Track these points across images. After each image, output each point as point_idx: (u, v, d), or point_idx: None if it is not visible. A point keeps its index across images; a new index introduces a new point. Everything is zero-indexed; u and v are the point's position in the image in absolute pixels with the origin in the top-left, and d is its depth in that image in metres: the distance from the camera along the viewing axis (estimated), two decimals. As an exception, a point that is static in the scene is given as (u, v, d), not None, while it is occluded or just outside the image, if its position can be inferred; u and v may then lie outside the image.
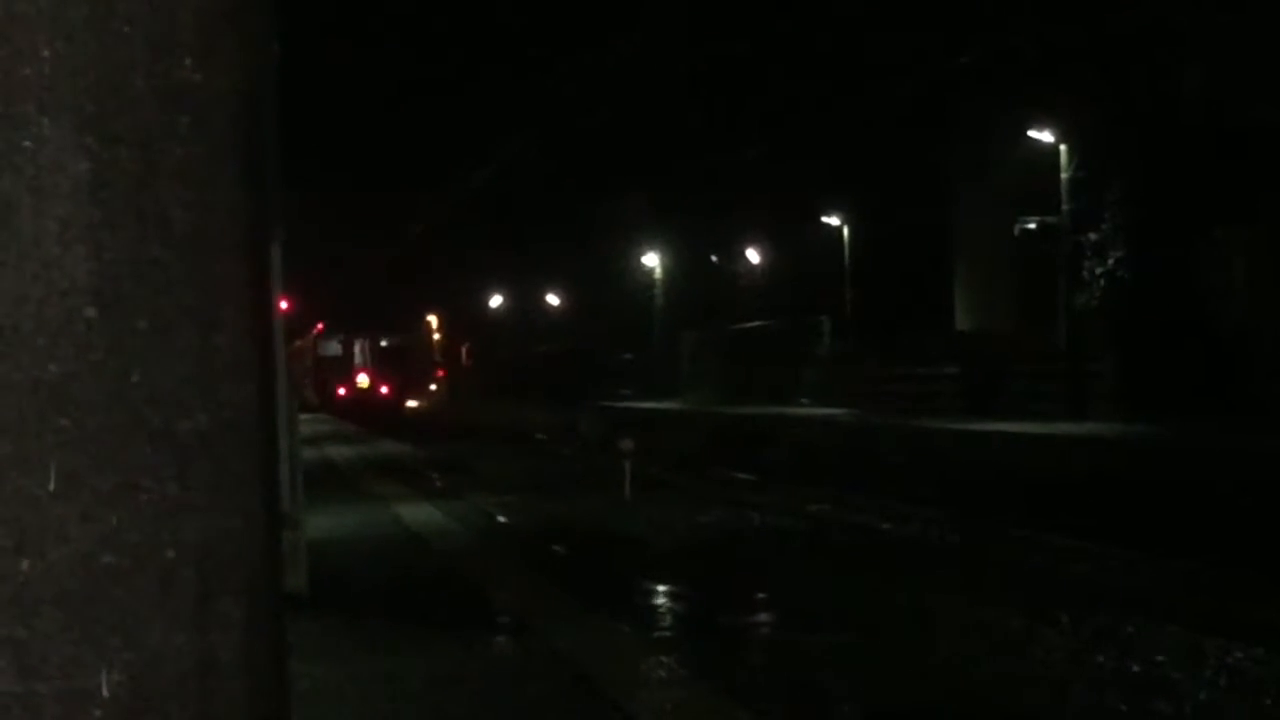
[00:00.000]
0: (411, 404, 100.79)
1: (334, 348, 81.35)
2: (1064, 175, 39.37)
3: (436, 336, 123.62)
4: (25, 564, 2.16)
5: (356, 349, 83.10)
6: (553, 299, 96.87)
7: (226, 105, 2.36)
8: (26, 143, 2.18)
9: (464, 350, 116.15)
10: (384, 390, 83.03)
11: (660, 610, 19.88)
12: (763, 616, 19.12)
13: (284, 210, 14.97)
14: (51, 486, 2.18)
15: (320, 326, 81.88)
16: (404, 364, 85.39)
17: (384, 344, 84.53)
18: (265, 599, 2.39)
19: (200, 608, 2.27)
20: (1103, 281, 37.95)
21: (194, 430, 2.27)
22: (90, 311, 2.20)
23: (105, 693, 2.19)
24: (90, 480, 2.19)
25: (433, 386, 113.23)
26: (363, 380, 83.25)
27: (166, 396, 2.25)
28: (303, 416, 24.64)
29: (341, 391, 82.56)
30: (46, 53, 2.19)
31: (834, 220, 58.77)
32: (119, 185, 2.22)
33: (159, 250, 2.25)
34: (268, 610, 2.40)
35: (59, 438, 2.18)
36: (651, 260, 76.00)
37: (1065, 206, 39.33)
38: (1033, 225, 41.12)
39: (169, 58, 2.28)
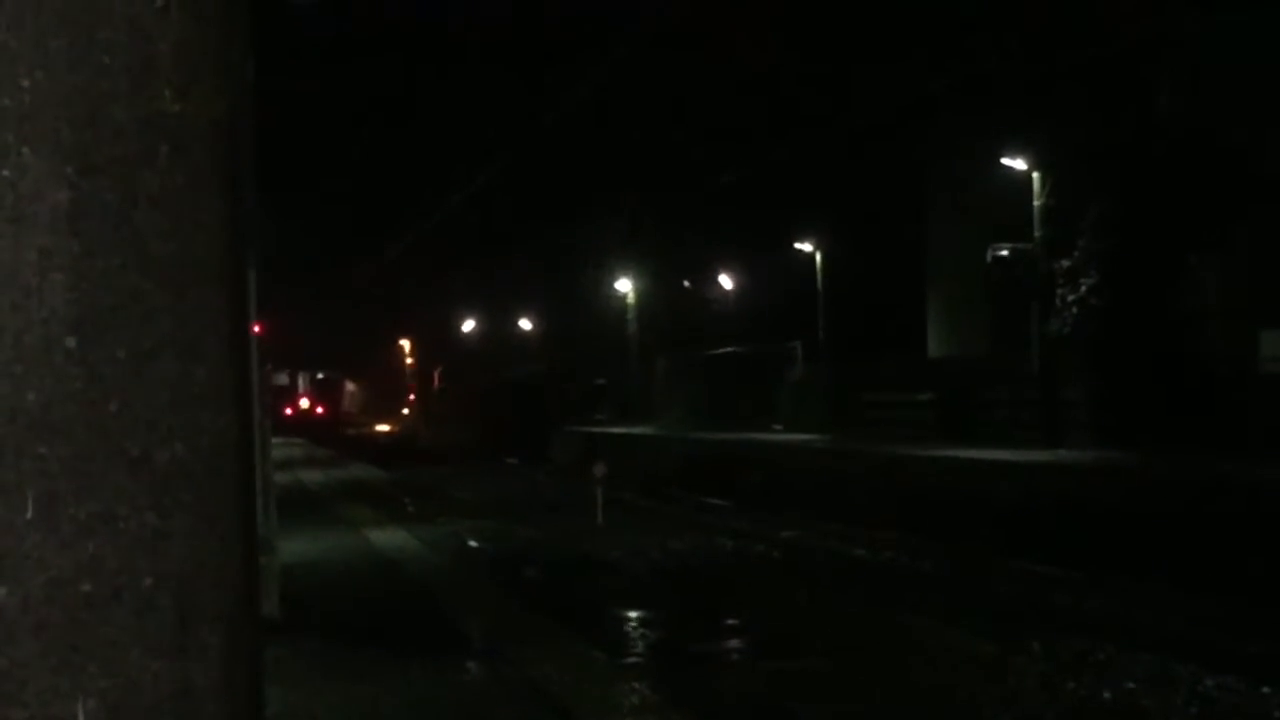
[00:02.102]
0: (383, 428, 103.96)
1: (283, 378, 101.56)
2: (1036, 202, 39.41)
3: (409, 361, 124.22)
4: (3, 592, 2.16)
5: (300, 380, 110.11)
6: (525, 324, 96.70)
7: (205, 135, 2.36)
8: (6, 172, 2.18)
9: (436, 374, 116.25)
10: (319, 410, 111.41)
11: (633, 636, 19.89)
12: (736, 642, 19.14)
13: (260, 236, 14.95)
14: (29, 514, 2.18)
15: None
16: (335, 392, 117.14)
17: (320, 376, 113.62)
18: (243, 627, 2.39)
19: (178, 636, 2.27)
20: (1075, 308, 37.97)
21: (172, 459, 2.27)
22: (69, 341, 2.20)
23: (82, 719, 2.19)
24: (68, 508, 2.19)
25: (404, 410, 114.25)
26: (304, 403, 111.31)
27: (145, 425, 2.25)
28: (274, 440, 24.61)
29: (289, 411, 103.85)
30: (26, 83, 2.20)
31: (806, 246, 58.75)
32: (98, 215, 2.23)
33: (138, 280, 2.25)
34: (245, 638, 2.40)
35: (37, 466, 2.18)
36: (624, 285, 75.93)
37: (1038, 233, 39.37)
38: (1005, 252, 41.08)
39: (148, 88, 2.28)
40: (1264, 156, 32.65)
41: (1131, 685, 15.46)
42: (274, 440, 21.41)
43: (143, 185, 2.27)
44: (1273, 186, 32.57)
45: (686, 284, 72.49)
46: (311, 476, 48.26)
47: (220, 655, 2.32)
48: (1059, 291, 38.56)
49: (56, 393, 2.19)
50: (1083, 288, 37.83)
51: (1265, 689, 15.10)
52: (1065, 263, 38.37)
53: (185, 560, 2.29)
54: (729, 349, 64.10)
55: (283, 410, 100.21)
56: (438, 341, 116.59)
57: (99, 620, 2.21)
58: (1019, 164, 40.25)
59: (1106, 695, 15.13)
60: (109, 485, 2.22)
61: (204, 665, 2.30)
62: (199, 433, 2.31)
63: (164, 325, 2.28)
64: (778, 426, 54.73)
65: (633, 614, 21.38)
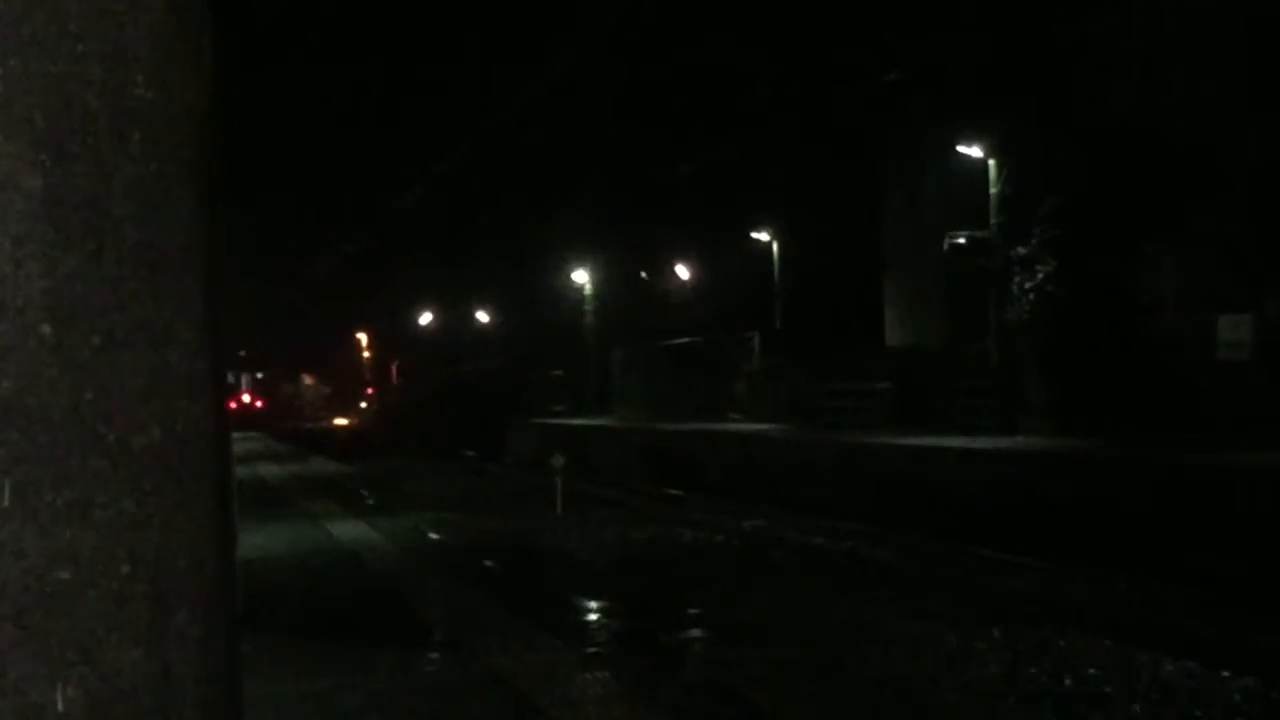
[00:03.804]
0: (341, 422, 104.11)
1: (228, 378, 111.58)
2: (993, 190, 39.47)
3: (367, 354, 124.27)
4: (-20, 580, 2.16)
5: (243, 379, 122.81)
6: (483, 316, 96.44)
7: (179, 123, 2.36)
8: (-21, 160, 2.18)
9: (394, 368, 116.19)
10: (259, 404, 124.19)
11: (596, 627, 19.87)
12: (698, 632, 19.12)
13: (227, 229, 14.87)
14: (5, 502, 2.17)
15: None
16: (271, 388, 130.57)
17: (259, 375, 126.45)
18: (220, 613, 2.39)
19: (156, 623, 2.27)
20: (1032, 296, 38.05)
21: (149, 445, 2.27)
22: (44, 328, 2.20)
23: (60, 708, 2.19)
24: (45, 496, 2.19)
25: (362, 404, 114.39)
26: (245, 398, 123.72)
27: (121, 412, 2.25)
28: (233, 435, 24.56)
29: (233, 405, 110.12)
30: (0, 70, 2.19)
31: (763, 236, 58.77)
32: (72, 202, 2.22)
33: (112, 267, 2.25)
34: (222, 624, 2.40)
35: (13, 453, 2.18)
36: (581, 277, 75.82)
37: (994, 221, 39.43)
38: (962, 240, 41.10)
39: (122, 76, 2.28)
40: (1219, 146, 32.78)
41: (1092, 671, 15.53)
42: (233, 435, 21.35)
43: (117, 172, 2.27)
44: (1228, 175, 32.72)
45: (644, 275, 72.45)
46: (271, 470, 48.14)
47: (198, 641, 2.33)
48: (1016, 279, 38.63)
49: (32, 380, 2.19)
50: (1039, 275, 37.91)
51: (1225, 673, 15.18)
52: (1022, 250, 38.44)
53: (162, 547, 2.28)
54: (686, 340, 64.08)
55: (228, 404, 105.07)
56: (395, 334, 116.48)
57: (77, 607, 2.21)
58: (975, 151, 40.31)
59: (1068, 682, 15.18)
60: (86, 472, 2.22)
61: (182, 652, 2.30)
62: (175, 419, 2.31)
63: (138, 312, 2.28)
64: (736, 416, 54.73)
65: (594, 604, 21.37)
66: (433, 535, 29.56)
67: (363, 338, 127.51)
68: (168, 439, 2.30)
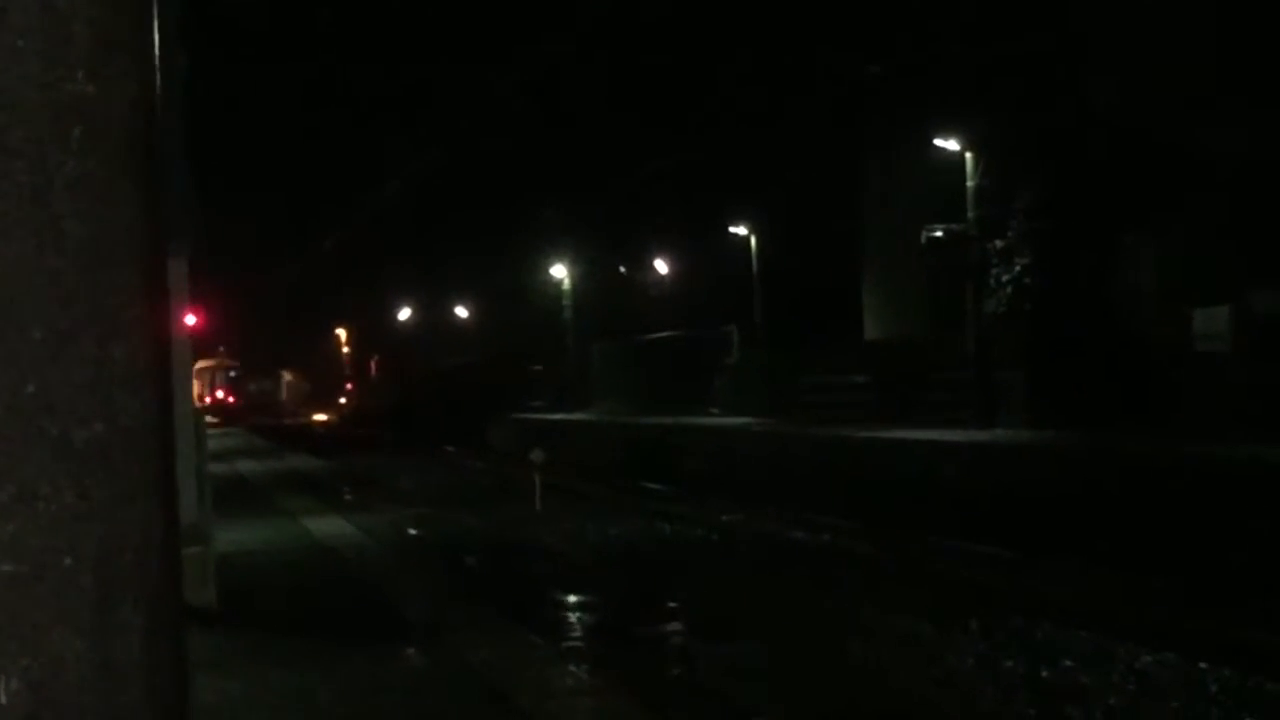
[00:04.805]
0: (320, 417, 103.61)
1: (204, 374, 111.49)
2: (970, 183, 39.50)
3: (346, 350, 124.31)
4: (-77, 573, 2.16)
5: (216, 374, 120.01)
6: (462, 311, 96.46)
7: (120, 117, 2.35)
8: (-80, 155, 2.18)
9: (373, 363, 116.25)
10: (231, 400, 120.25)
11: (573, 621, 19.90)
12: (676, 626, 19.16)
13: (193, 225, 14.87)
14: (-52, 497, 2.18)
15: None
16: (242, 384, 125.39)
17: (231, 374, 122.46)
18: (165, 606, 2.39)
19: (99, 615, 2.27)
20: (1010, 289, 38.12)
21: (91, 439, 2.27)
22: (-15, 321, 2.20)
23: (4, 700, 2.19)
24: (-14, 490, 2.19)
25: (341, 400, 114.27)
26: (220, 393, 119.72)
27: (63, 406, 2.25)
28: (211, 431, 24.53)
29: (208, 400, 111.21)
30: (-62, 65, 2.19)
31: (742, 229, 58.76)
32: (13, 197, 2.22)
33: (54, 261, 2.25)
34: (167, 617, 2.40)
35: (-46, 448, 2.18)
36: (560, 271, 75.79)
37: (972, 214, 39.45)
38: (940, 233, 41.06)
39: (62, 70, 2.28)
40: (1195, 141, 32.86)
41: (1069, 663, 15.58)
42: (209, 431, 21.34)
43: (57, 167, 2.26)
44: (1204, 170, 32.81)
45: (622, 270, 72.50)
46: (248, 466, 48.06)
47: (142, 634, 2.32)
48: (993, 271, 38.69)
49: (-27, 374, 2.19)
50: (1017, 267, 37.99)
51: (1202, 664, 15.22)
52: (999, 243, 38.50)
53: (106, 540, 2.29)
54: (665, 334, 64.12)
55: (201, 397, 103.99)
56: (374, 330, 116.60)
57: (21, 600, 2.21)
58: (952, 145, 40.35)
59: (1045, 674, 15.23)
60: (29, 465, 2.22)
61: (126, 644, 2.30)
62: (118, 413, 2.31)
63: (81, 306, 2.28)
64: (715, 410, 54.75)
65: (572, 599, 21.40)
66: (411, 531, 29.58)
67: (342, 333, 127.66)
68: (111, 432, 2.30)
